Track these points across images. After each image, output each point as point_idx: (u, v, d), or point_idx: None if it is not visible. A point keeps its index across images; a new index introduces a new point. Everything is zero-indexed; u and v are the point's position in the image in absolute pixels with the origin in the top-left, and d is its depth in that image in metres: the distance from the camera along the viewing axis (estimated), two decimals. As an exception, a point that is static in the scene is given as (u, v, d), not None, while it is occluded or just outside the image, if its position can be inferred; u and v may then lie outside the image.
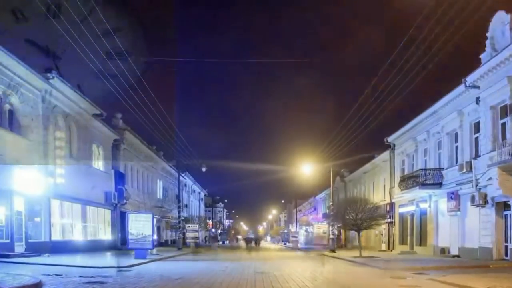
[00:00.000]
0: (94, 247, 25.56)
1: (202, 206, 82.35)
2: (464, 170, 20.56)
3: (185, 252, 30.49)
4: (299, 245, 54.30)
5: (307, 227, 74.20)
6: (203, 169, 32.59)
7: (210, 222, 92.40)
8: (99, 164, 28.51)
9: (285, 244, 73.86)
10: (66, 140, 22.65)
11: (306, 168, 35.36)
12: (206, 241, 66.30)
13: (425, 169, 24.44)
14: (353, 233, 47.88)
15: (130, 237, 19.77)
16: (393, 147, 31.85)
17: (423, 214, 26.79)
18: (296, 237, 55.62)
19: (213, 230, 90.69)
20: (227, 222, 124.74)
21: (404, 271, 14.88)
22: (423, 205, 26.04)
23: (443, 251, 23.20)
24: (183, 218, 49.24)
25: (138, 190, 37.67)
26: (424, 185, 23.82)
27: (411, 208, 28.10)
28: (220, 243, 75.73)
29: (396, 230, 31.30)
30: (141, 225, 19.88)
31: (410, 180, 25.91)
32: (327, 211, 58.49)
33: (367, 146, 39.52)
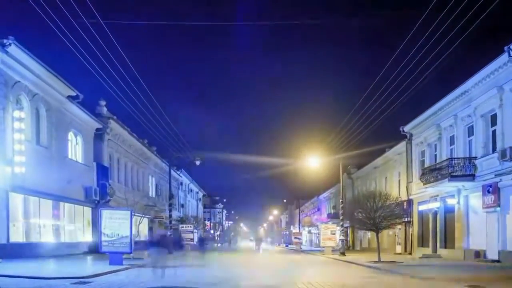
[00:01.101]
0: (70, 251, 22.10)
1: (200, 206, 78.74)
2: (507, 157, 17.04)
3: (176, 256, 26.96)
4: (302, 247, 51.03)
5: (310, 228, 70.65)
6: (197, 163, 29.05)
7: (208, 223, 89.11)
8: (77, 155, 24.99)
9: (286, 246, 70.49)
10: (31, 124, 19.15)
11: (312, 162, 31.82)
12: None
13: (454, 159, 20.86)
14: (360, 234, 44.57)
15: (103, 238, 16.23)
16: (410, 137, 28.33)
17: (449, 211, 23.23)
18: (299, 238, 52.08)
19: (211, 231, 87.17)
20: (226, 224, 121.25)
21: (450, 283, 11.36)
22: (450, 201, 22.46)
23: (478, 254, 19.63)
24: (179, 218, 45.69)
25: (126, 186, 34.10)
26: (454, 177, 20.24)
27: (434, 205, 24.54)
28: (219, 245, 72.34)
29: (415, 230, 27.73)
30: (116, 224, 16.34)
31: (434, 173, 22.36)
32: (332, 211, 54.96)
33: (377, 139, 36.00)
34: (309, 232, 71.94)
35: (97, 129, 27.33)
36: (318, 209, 68.21)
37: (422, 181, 23.56)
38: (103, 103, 28.78)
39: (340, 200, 29.22)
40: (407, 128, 28.17)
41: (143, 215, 39.12)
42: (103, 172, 27.61)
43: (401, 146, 29.87)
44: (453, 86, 21.92)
